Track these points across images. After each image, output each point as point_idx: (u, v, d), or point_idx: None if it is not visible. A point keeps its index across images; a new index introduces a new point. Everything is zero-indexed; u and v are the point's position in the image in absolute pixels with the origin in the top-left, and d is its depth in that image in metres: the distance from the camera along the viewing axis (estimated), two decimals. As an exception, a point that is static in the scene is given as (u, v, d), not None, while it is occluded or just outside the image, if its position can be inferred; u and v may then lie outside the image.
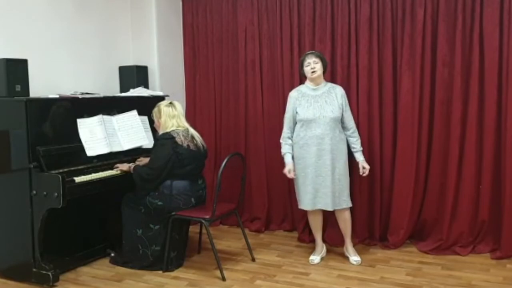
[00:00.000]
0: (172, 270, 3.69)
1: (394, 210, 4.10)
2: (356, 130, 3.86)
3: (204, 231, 3.99)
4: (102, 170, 3.65)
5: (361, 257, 3.83)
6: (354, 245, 3.96)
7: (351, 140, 3.82)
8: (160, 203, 3.58)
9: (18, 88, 3.39)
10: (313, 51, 3.84)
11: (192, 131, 3.71)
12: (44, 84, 3.79)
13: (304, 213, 4.32)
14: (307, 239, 4.30)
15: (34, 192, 3.33)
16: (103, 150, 3.74)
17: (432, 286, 3.35)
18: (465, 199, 3.89)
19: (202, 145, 3.72)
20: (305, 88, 3.80)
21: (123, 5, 4.68)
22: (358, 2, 4.11)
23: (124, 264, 3.78)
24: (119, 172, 3.72)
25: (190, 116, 4.84)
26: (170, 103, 3.73)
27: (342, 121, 3.78)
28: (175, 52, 4.91)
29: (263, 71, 4.57)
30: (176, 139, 3.56)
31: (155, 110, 3.74)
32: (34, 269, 3.41)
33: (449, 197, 3.92)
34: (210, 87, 4.85)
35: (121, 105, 4.07)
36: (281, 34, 4.44)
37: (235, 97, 4.74)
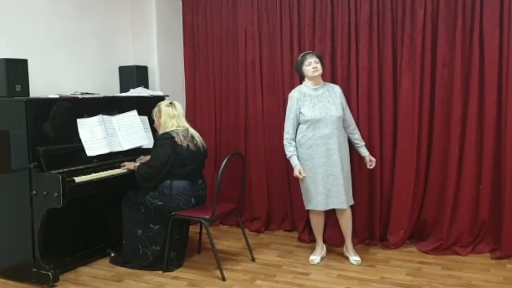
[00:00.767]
0: (172, 270, 3.69)
1: (394, 210, 4.10)
2: (356, 126, 3.90)
3: (204, 231, 3.99)
4: (102, 170, 3.64)
5: (361, 257, 3.83)
6: (354, 245, 3.96)
7: (353, 136, 3.86)
8: (160, 203, 3.58)
9: (18, 88, 3.39)
10: (312, 51, 3.84)
11: (192, 131, 3.71)
12: (44, 84, 3.79)
13: (304, 213, 4.32)
14: (307, 239, 4.31)
15: (34, 192, 3.33)
16: (103, 150, 3.75)
17: (432, 286, 3.35)
18: (465, 199, 3.89)
19: (202, 145, 3.73)
20: (305, 88, 3.79)
21: (123, 5, 4.68)
22: (358, 2, 4.11)
23: (124, 264, 3.78)
24: (125, 170, 3.73)
25: (190, 116, 4.84)
26: (171, 103, 3.74)
27: (343, 119, 3.79)
28: (175, 52, 4.91)
29: (263, 71, 4.57)
30: (176, 139, 3.57)
31: (155, 110, 3.75)
32: (34, 269, 3.41)
33: (449, 197, 3.92)
34: (210, 87, 4.85)
35: (121, 105, 4.07)
36: (281, 34, 4.44)
37: (235, 97, 4.74)
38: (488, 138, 3.81)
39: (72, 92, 3.88)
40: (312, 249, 3.99)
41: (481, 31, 3.77)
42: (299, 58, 3.79)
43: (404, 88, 3.99)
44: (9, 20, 3.65)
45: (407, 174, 3.99)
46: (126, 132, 3.97)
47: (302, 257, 3.95)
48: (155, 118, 3.75)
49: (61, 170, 3.37)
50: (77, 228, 3.79)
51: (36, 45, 3.84)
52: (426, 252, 3.95)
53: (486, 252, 3.88)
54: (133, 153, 3.95)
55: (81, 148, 3.64)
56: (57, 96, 3.62)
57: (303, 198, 3.84)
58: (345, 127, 3.81)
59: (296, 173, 3.72)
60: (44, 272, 3.38)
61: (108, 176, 3.63)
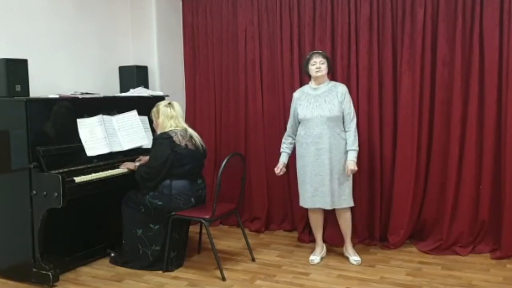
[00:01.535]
0: (172, 270, 3.69)
1: (394, 210, 4.10)
2: (352, 130, 3.70)
3: (204, 231, 3.99)
4: (102, 170, 3.64)
5: (361, 257, 3.83)
6: (354, 245, 3.96)
7: (346, 138, 3.71)
8: (160, 203, 3.58)
9: (18, 88, 3.39)
10: (320, 51, 3.84)
11: (190, 131, 3.71)
12: (44, 84, 3.79)
13: (304, 213, 4.33)
14: (307, 239, 4.31)
15: (34, 192, 3.33)
16: (103, 150, 3.74)
17: (432, 286, 3.35)
18: (465, 199, 3.89)
19: (201, 145, 3.73)
20: (307, 88, 3.83)
21: (123, 5, 4.68)
22: (358, 2, 4.12)
23: (124, 264, 3.78)
24: (126, 170, 3.74)
25: (190, 116, 4.85)
26: (169, 103, 3.74)
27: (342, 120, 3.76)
28: (175, 52, 4.91)
29: (263, 71, 4.57)
30: (174, 138, 3.57)
31: (154, 110, 3.75)
32: (34, 269, 3.41)
33: (449, 197, 3.92)
34: (210, 87, 4.85)
35: (121, 105, 4.07)
36: (281, 34, 4.44)
37: (235, 97, 4.74)
38: (488, 138, 3.81)
39: (72, 92, 3.88)
40: (312, 249, 3.99)
41: (481, 31, 3.77)
42: (307, 57, 3.81)
43: (404, 88, 3.99)
44: (9, 20, 3.65)
45: (407, 174, 3.99)
46: (126, 132, 3.97)
47: (302, 257, 3.95)
48: (153, 118, 3.76)
49: (61, 170, 3.37)
50: (77, 228, 3.79)
51: (36, 45, 3.84)
52: (426, 252, 3.95)
53: (486, 252, 3.88)
54: (133, 153, 3.95)
55: (81, 148, 3.63)
56: (57, 96, 3.62)
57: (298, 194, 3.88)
58: (344, 127, 3.79)
59: (275, 168, 3.89)
60: (44, 272, 3.38)
61: (108, 176, 3.63)
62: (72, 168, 3.50)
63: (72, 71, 4.16)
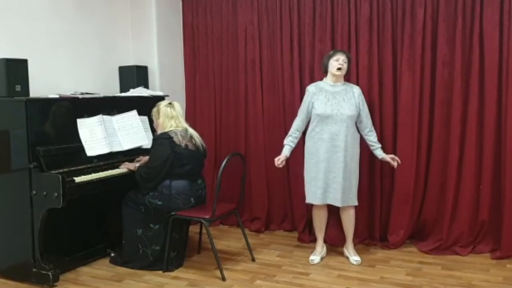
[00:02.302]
0: (172, 270, 3.69)
1: (394, 210, 4.10)
2: (373, 129, 3.84)
3: (204, 231, 3.99)
4: (102, 170, 3.64)
5: (361, 257, 3.83)
6: (354, 245, 3.96)
7: (369, 138, 3.81)
8: (159, 202, 3.58)
9: (18, 88, 3.39)
10: (345, 51, 3.85)
11: (191, 131, 3.71)
12: (44, 84, 3.79)
13: (304, 213, 4.33)
14: (307, 239, 4.31)
15: (34, 192, 3.33)
16: (103, 150, 3.74)
17: (432, 286, 3.35)
18: (465, 199, 3.89)
19: (202, 145, 3.72)
20: (323, 84, 3.81)
21: (123, 5, 4.68)
22: (358, 2, 4.12)
23: (124, 264, 3.78)
24: (125, 170, 3.73)
25: (190, 116, 4.84)
26: (170, 103, 3.73)
27: (359, 121, 3.78)
28: (175, 52, 4.91)
29: (263, 71, 4.57)
30: (174, 138, 3.57)
31: (154, 110, 3.75)
32: (34, 269, 3.41)
33: (449, 197, 3.93)
34: (210, 87, 4.85)
35: (121, 105, 4.07)
36: (281, 34, 4.44)
37: (235, 97, 4.74)
38: (488, 138, 3.82)
39: (72, 92, 3.88)
40: (312, 249, 3.99)
41: (481, 31, 3.77)
42: (331, 52, 3.82)
43: (404, 88, 3.99)
44: (9, 20, 3.65)
45: (407, 174, 3.99)
46: (126, 132, 3.97)
47: (302, 257, 3.95)
48: (154, 118, 3.76)
49: (61, 170, 3.37)
50: (77, 228, 3.78)
51: (36, 45, 3.84)
52: (426, 252, 3.96)
53: (486, 252, 3.88)
54: (133, 153, 3.95)
55: (81, 148, 3.63)
56: (57, 96, 3.62)
57: (305, 191, 3.85)
58: (361, 129, 3.80)
59: (276, 158, 3.81)
60: (44, 272, 3.38)
61: (108, 176, 3.63)
62: (72, 168, 3.49)
63: (72, 71, 4.16)
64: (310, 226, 4.32)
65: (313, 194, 3.77)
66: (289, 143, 3.85)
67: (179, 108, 3.74)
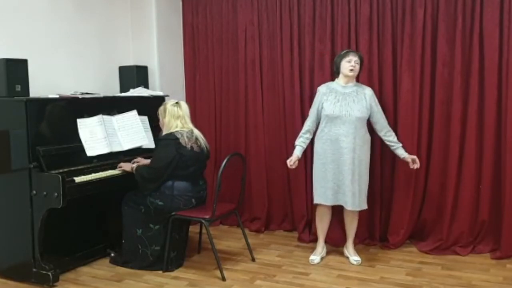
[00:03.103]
0: (172, 270, 3.69)
1: (394, 210, 4.10)
2: (391, 129, 3.80)
3: (204, 231, 3.99)
4: (102, 170, 3.64)
5: (361, 257, 3.83)
6: (355, 245, 3.95)
7: (388, 139, 3.78)
8: (160, 203, 3.58)
9: (18, 88, 3.39)
10: (357, 51, 3.84)
11: (196, 132, 3.69)
12: (44, 84, 3.79)
13: (304, 213, 4.34)
14: (307, 239, 4.31)
15: (34, 192, 3.33)
16: (103, 150, 3.74)
17: (432, 286, 3.35)
18: (465, 199, 3.89)
19: (206, 147, 3.72)
20: (334, 84, 3.79)
21: (123, 5, 4.68)
22: (358, 2, 4.11)
23: (124, 264, 3.78)
24: (121, 171, 3.71)
25: (190, 116, 4.83)
26: (177, 102, 3.70)
27: (375, 122, 3.76)
28: (175, 52, 4.91)
29: (263, 71, 4.57)
30: (180, 140, 3.55)
31: (161, 108, 3.71)
32: (34, 269, 3.41)
33: (449, 197, 3.93)
34: (210, 87, 4.85)
35: (121, 105, 4.07)
36: (281, 34, 4.44)
37: (235, 97, 4.74)
38: (488, 138, 3.82)
39: (72, 92, 3.88)
40: (312, 249, 3.99)
41: (481, 31, 3.77)
42: (342, 52, 3.78)
43: (404, 88, 3.99)
44: (9, 20, 3.65)
45: (407, 174, 3.99)
46: (126, 132, 3.97)
47: (302, 257, 3.95)
48: (160, 117, 3.72)
49: (61, 170, 3.37)
50: (77, 228, 3.78)
51: (36, 45, 3.83)
52: (426, 252, 3.96)
53: (486, 252, 3.89)
54: (133, 153, 3.95)
55: (81, 148, 3.63)
56: (57, 96, 3.62)
57: (313, 192, 3.83)
58: (379, 130, 3.78)
59: (288, 159, 3.77)
60: (44, 272, 3.38)
61: (108, 176, 3.63)
62: (72, 168, 3.49)
63: (72, 71, 4.16)
64: (310, 226, 4.33)
65: (323, 194, 3.73)
66: (300, 143, 3.82)
67: (186, 108, 3.71)
